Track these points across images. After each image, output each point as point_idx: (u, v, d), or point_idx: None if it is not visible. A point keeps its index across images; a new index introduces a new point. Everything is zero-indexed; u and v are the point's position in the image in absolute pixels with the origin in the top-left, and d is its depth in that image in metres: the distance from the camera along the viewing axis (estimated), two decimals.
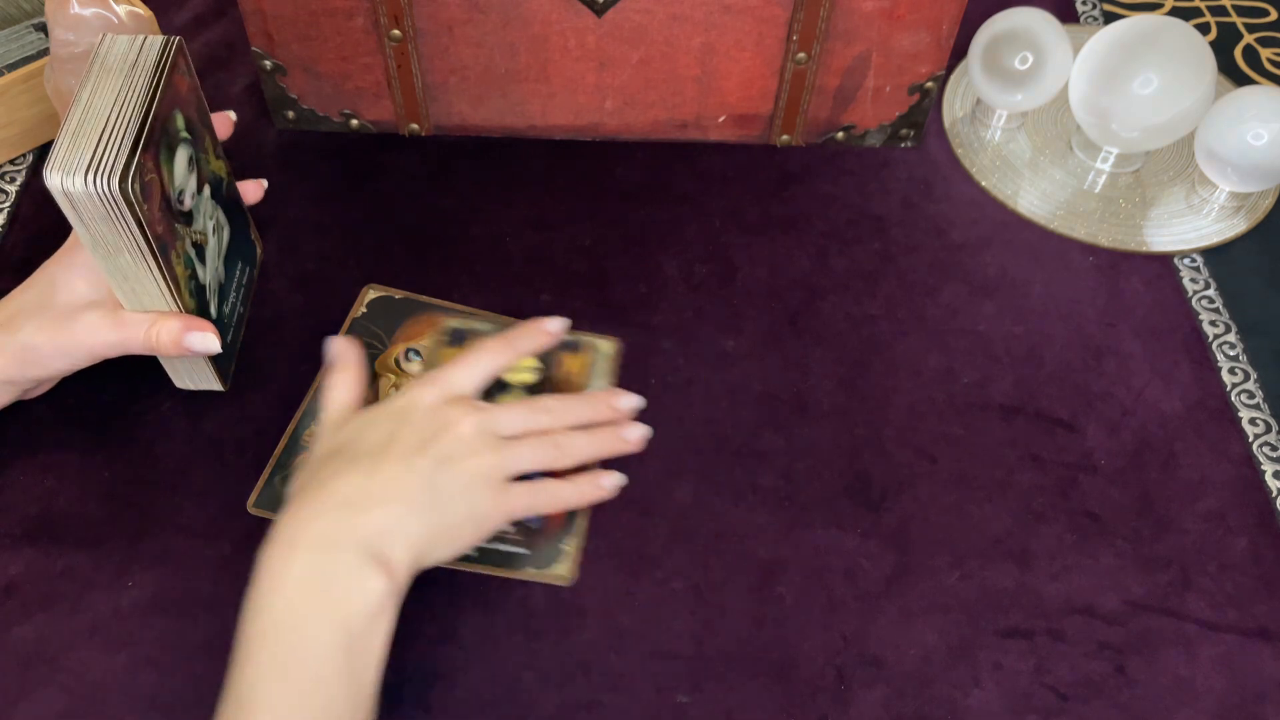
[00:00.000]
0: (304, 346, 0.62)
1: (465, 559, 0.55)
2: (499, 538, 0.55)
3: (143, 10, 0.66)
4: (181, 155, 0.53)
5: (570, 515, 0.57)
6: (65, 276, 0.54)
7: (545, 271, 0.68)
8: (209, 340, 0.54)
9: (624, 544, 0.57)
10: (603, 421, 0.54)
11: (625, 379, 0.63)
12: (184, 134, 0.54)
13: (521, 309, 0.66)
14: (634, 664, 0.53)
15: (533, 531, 0.56)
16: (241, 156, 0.73)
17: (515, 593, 0.55)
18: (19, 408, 0.59)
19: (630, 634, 0.54)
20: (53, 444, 0.59)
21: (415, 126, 0.74)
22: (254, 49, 0.70)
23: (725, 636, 0.54)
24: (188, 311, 0.54)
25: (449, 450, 0.49)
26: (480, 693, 0.52)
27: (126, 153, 0.48)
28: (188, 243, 0.54)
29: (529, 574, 0.55)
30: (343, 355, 0.55)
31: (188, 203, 0.54)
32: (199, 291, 0.56)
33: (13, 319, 0.53)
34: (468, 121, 0.74)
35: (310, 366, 0.62)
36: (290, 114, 0.74)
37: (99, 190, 0.47)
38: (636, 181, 0.73)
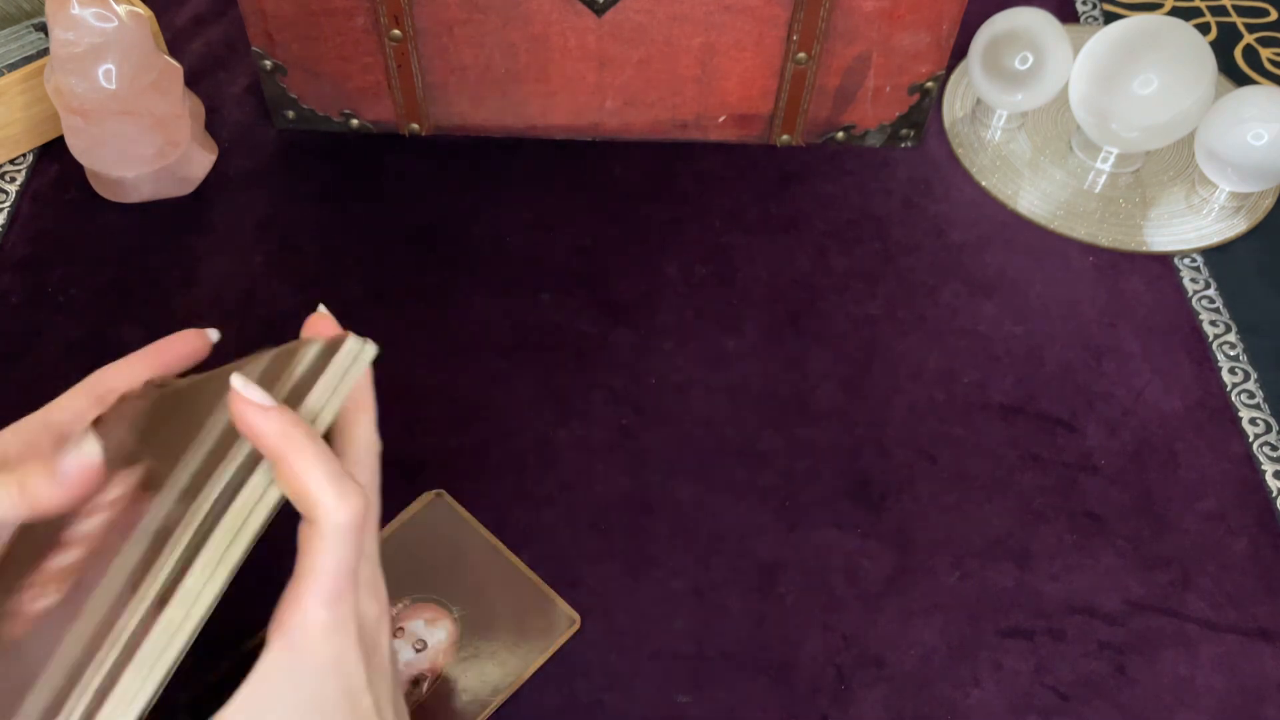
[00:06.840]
0: None
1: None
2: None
3: (143, 10, 0.66)
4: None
5: None
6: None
7: (545, 271, 0.68)
8: (84, 448, 0.37)
9: (624, 544, 0.57)
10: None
11: (625, 379, 0.63)
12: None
13: (521, 309, 0.66)
14: (634, 664, 0.53)
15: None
16: (241, 156, 0.73)
17: None
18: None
19: (630, 634, 0.54)
20: None
21: (415, 126, 0.74)
22: (254, 49, 0.70)
23: (725, 636, 0.54)
24: None
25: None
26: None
27: None
28: None
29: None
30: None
31: None
32: None
33: None
34: (468, 121, 0.74)
35: None
36: (290, 114, 0.74)
37: None
38: (636, 181, 0.73)
